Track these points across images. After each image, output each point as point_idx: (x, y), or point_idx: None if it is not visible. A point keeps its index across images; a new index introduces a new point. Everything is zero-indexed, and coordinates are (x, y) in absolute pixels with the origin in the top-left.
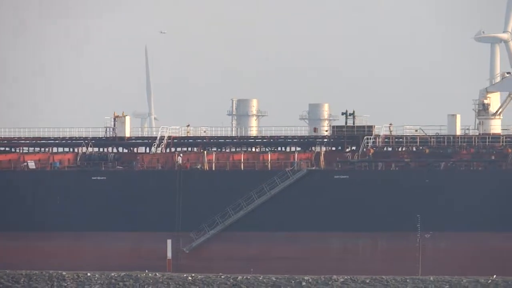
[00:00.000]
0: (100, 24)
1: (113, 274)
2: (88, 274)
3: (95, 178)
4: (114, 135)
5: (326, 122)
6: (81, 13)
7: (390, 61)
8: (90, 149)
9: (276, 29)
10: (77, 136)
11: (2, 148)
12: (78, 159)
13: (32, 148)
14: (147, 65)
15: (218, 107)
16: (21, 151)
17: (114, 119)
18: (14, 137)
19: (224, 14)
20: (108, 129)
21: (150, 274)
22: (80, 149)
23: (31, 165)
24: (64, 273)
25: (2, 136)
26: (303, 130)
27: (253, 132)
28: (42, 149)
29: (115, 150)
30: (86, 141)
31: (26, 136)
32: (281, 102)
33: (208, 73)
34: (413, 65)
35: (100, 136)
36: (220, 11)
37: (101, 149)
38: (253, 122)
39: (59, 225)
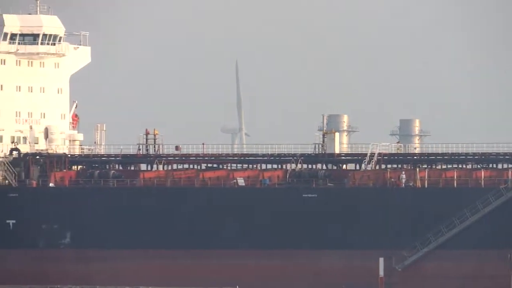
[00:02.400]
0: (190, 37)
1: None
2: None
3: (305, 195)
4: (323, 152)
5: (417, 138)
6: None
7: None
8: (299, 166)
9: (368, 44)
10: (285, 152)
11: (210, 165)
12: (287, 176)
13: (241, 165)
14: (238, 80)
15: (308, 123)
16: (229, 168)
17: (323, 135)
18: (222, 154)
19: (315, 29)
20: (317, 146)
21: None
22: (289, 165)
23: (241, 182)
24: None
25: (210, 153)
26: (392, 146)
27: (344, 147)
28: (251, 165)
29: (324, 167)
30: (295, 158)
31: (235, 152)
32: (371, 117)
33: (297, 88)
34: None
35: (309, 152)
36: (312, 28)
37: (310, 166)
38: (344, 138)
39: (269, 242)
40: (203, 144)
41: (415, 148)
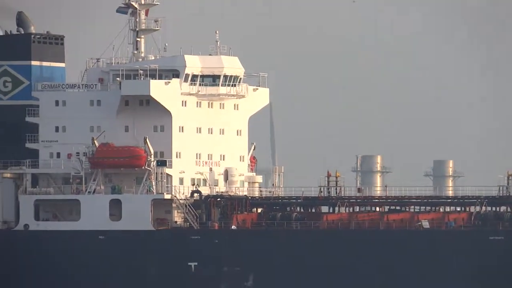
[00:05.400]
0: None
1: None
2: None
3: (492, 238)
4: (508, 194)
5: (451, 179)
6: None
7: None
8: (483, 208)
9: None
10: (470, 195)
11: (393, 207)
12: (472, 218)
13: (424, 207)
14: (271, 120)
15: (342, 163)
16: (413, 210)
17: (508, 177)
18: (405, 196)
19: (345, 69)
20: (501, 188)
21: None
22: (473, 208)
23: (425, 224)
24: None
25: (393, 195)
26: (427, 189)
27: (378, 190)
28: (434, 208)
29: (509, 209)
30: (479, 200)
31: (417, 194)
32: (405, 158)
33: (331, 129)
34: None
35: (494, 195)
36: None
37: (494, 208)
38: (378, 179)
39: (456, 284)
40: (385, 186)
41: None
